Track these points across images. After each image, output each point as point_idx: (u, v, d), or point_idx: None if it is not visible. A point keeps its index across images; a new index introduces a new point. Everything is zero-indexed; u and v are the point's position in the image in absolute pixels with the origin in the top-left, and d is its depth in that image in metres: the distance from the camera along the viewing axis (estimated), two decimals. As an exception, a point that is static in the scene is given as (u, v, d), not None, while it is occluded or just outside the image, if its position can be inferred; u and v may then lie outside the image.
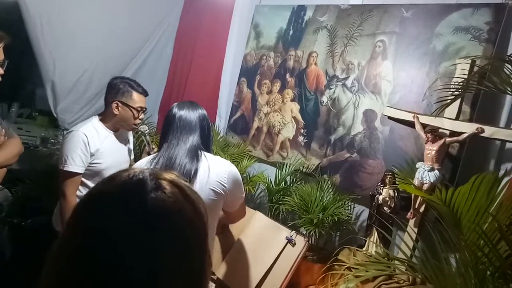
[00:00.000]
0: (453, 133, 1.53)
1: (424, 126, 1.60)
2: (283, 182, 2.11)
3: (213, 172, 1.37)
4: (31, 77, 3.33)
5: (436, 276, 1.30)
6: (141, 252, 0.50)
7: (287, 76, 2.30)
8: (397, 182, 1.67)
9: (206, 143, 1.46)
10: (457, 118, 1.55)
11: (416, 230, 1.56)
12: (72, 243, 0.52)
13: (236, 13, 2.69)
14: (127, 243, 0.50)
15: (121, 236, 0.50)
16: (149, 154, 1.86)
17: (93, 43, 2.68)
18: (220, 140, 2.54)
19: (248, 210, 1.99)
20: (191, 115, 1.44)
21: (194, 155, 1.38)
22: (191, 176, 1.34)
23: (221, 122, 2.72)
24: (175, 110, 1.46)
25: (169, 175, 0.59)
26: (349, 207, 1.89)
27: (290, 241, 1.78)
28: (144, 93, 1.80)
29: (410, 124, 1.68)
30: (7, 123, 1.59)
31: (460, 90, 1.43)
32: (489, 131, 1.42)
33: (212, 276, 1.85)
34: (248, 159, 2.31)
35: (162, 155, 1.39)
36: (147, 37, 3.05)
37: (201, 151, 1.41)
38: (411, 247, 1.49)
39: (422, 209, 1.56)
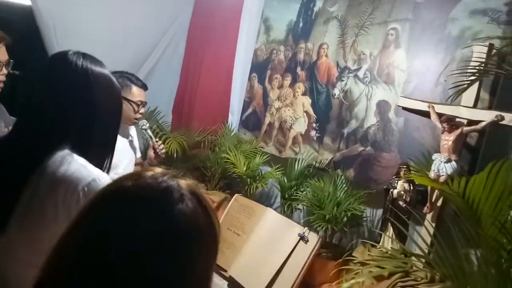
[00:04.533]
0: (471, 122, 1.45)
1: (440, 115, 1.52)
2: (295, 178, 2.07)
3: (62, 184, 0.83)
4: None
5: (455, 274, 1.23)
6: (146, 261, 0.50)
7: (298, 69, 2.25)
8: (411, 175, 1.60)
9: (84, 136, 0.89)
10: (474, 106, 1.46)
11: (434, 225, 1.49)
12: (84, 231, 0.52)
13: (245, 8, 2.65)
14: (137, 250, 0.50)
15: (134, 243, 0.50)
16: (154, 148, 1.84)
17: (106, 46, 2.69)
18: (233, 136, 2.51)
19: (260, 207, 1.96)
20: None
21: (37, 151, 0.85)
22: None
23: (233, 119, 2.69)
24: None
25: (188, 185, 0.58)
26: (363, 202, 1.82)
27: (302, 238, 1.74)
28: (144, 87, 1.79)
29: (426, 114, 1.60)
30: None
31: (476, 74, 1.35)
32: (509, 118, 1.33)
33: (224, 274, 1.83)
34: (261, 155, 2.27)
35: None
36: (160, 38, 3.05)
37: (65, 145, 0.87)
38: (428, 243, 1.41)
39: (439, 202, 1.48)
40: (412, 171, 1.57)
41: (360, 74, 1.94)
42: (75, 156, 0.86)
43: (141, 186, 0.55)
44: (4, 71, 1.37)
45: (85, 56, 0.91)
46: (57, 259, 0.51)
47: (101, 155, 0.95)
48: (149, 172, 0.57)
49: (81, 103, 0.89)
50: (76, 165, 0.85)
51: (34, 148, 0.84)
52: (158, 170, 0.59)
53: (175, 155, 2.39)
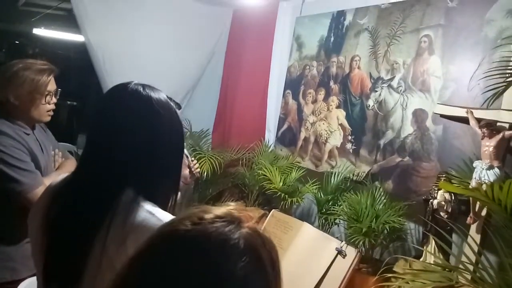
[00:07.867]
0: (513, 126, 1.37)
1: (479, 121, 1.45)
2: (332, 192, 2.04)
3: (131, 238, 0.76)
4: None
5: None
6: None
7: (331, 83, 2.25)
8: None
9: (150, 171, 0.84)
10: (517, 109, 1.38)
11: (479, 237, 1.40)
12: (138, 273, 0.52)
13: (278, 27, 2.72)
14: None
15: None
16: (189, 167, 1.86)
17: (151, 74, 2.84)
18: (270, 153, 2.54)
19: (296, 222, 1.95)
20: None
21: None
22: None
23: (270, 136, 2.72)
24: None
25: (250, 230, 0.55)
26: (404, 214, 1.75)
27: (340, 252, 1.70)
28: (178, 107, 1.84)
29: (466, 121, 1.53)
30: (63, 146, 1.75)
31: (515, 76, 1.28)
32: (555, 119, 1.24)
33: (262, 290, 1.82)
34: (297, 170, 2.27)
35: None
36: (200, 62, 3.18)
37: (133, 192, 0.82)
38: (472, 256, 1.33)
39: (483, 212, 1.39)
40: (452, 180, 1.50)
41: (394, 83, 1.91)
42: (141, 202, 0.81)
43: (199, 233, 0.52)
44: (54, 100, 1.51)
45: (144, 86, 0.89)
46: None
47: (166, 192, 0.89)
48: (209, 215, 0.54)
49: (149, 132, 0.84)
50: (143, 214, 0.79)
51: (101, 190, 0.81)
52: (220, 211, 0.55)
53: (204, 175, 2.44)
